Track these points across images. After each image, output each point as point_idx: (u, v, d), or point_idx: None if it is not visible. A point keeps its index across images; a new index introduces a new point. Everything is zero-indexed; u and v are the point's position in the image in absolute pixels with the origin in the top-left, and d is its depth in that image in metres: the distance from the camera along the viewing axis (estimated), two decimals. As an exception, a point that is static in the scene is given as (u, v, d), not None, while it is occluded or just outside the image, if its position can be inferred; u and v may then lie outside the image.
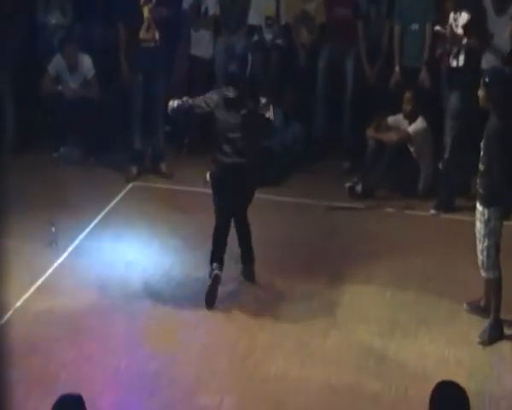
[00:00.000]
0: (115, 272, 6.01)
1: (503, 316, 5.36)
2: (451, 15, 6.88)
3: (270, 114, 5.70)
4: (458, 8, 6.84)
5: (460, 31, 6.80)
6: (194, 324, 5.45)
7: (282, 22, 8.11)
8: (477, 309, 5.56)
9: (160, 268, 6.10)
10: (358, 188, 7.23)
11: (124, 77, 7.48)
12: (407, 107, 7.29)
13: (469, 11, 6.80)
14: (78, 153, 7.81)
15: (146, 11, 7.22)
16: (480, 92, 5.21)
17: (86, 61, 7.87)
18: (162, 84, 7.48)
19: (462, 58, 6.83)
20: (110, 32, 7.75)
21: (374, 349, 5.23)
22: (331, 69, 7.91)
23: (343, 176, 7.49)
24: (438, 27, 6.98)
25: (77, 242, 6.42)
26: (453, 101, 6.92)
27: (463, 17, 6.81)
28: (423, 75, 7.48)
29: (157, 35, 7.26)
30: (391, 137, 7.28)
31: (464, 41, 6.77)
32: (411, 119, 7.29)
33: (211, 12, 8.00)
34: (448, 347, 5.25)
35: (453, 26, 6.84)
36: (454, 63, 6.88)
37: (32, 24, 8.12)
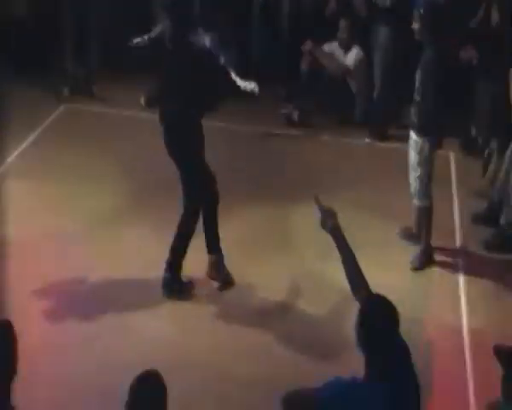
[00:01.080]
0: (47, 194, 5.90)
1: (433, 243, 5.49)
2: None
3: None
4: None
5: None
6: (131, 251, 5.42)
7: None
8: (408, 236, 5.68)
9: (95, 194, 6.01)
10: (295, 115, 7.22)
11: None
12: (343, 34, 7.26)
13: None
14: (6, 71, 7.52)
15: None
16: (415, 25, 5.20)
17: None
18: (94, 4, 7.23)
19: None
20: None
21: (313, 272, 5.31)
22: (268, -7, 7.80)
23: (279, 103, 7.44)
24: None
25: (7, 164, 6.26)
26: (382, 36, 6.94)
27: None
28: (359, 3, 7.43)
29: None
30: (332, 68, 7.21)
31: None
32: (346, 47, 7.27)
33: None
34: (380, 272, 5.27)
35: None
36: (381, 1, 6.86)
37: None
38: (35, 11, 7.58)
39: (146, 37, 7.26)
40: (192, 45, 4.74)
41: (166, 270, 4.99)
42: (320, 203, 3.42)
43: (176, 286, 5.00)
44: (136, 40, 7.58)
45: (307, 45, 7.23)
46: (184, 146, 4.87)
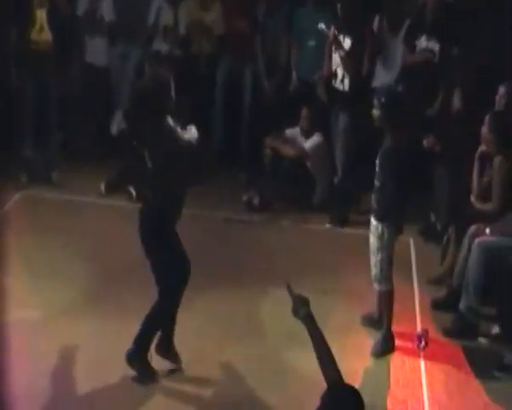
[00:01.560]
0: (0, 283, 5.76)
1: (394, 328, 5.45)
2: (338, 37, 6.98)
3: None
4: (343, 32, 6.93)
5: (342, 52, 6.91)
6: (87, 333, 5.28)
7: (181, 32, 8.04)
8: (370, 321, 5.64)
9: (49, 281, 5.87)
10: (256, 201, 7.25)
11: (12, 81, 7.20)
12: (304, 123, 7.37)
13: (353, 36, 6.89)
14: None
15: (39, 12, 6.99)
16: (376, 112, 5.25)
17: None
18: (55, 91, 7.27)
19: (347, 83, 6.96)
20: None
21: (271, 362, 5.21)
22: (230, 81, 7.91)
23: (241, 188, 7.48)
24: (322, 26, 7.02)
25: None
26: (341, 121, 7.04)
27: (346, 42, 6.94)
28: (319, 90, 7.58)
29: (50, 38, 7.05)
30: (288, 150, 7.34)
31: (342, 53, 6.86)
32: (308, 134, 7.38)
33: (107, 19, 7.84)
34: (342, 358, 5.20)
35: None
36: (340, 87, 7.01)
37: None
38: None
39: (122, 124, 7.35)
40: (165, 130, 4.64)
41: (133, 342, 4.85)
42: (291, 291, 3.43)
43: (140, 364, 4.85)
44: (115, 129, 7.70)
45: (267, 140, 7.30)
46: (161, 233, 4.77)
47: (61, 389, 4.80)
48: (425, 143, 6.57)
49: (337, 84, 7.03)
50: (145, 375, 4.87)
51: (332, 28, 6.95)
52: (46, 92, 7.21)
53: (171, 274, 4.78)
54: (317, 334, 3.33)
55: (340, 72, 6.98)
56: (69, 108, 7.80)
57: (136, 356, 4.85)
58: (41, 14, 7.03)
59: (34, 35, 7.02)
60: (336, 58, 7.00)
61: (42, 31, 7.03)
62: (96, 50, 7.88)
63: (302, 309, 3.38)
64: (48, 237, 6.49)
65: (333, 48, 7.00)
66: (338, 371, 3.20)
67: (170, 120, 4.64)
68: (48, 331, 5.31)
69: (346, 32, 6.91)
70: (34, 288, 5.77)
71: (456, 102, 6.92)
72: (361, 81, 6.98)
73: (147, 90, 4.78)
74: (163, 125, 4.62)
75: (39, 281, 5.87)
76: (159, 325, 4.90)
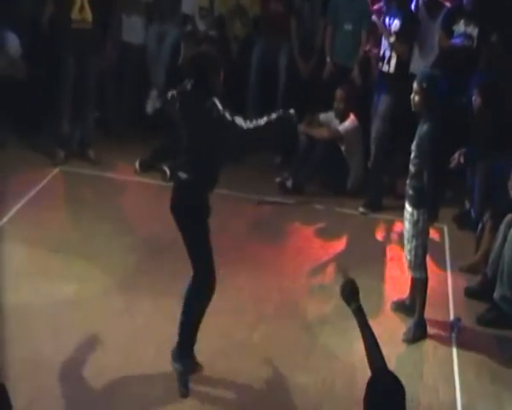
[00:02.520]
0: (38, 257, 5.85)
1: (427, 315, 5.45)
2: (386, 20, 6.98)
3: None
4: (391, 15, 6.92)
5: (392, 38, 6.89)
6: (121, 310, 5.34)
7: (216, 13, 8.05)
8: (402, 307, 5.65)
9: (84, 255, 5.95)
10: (289, 183, 7.25)
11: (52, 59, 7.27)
12: (339, 105, 7.35)
13: (401, 18, 6.87)
14: (2, 134, 7.56)
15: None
16: (415, 97, 5.23)
17: (13, 40, 7.61)
18: (94, 68, 7.31)
19: (393, 64, 6.93)
20: (40, 10, 7.51)
21: (301, 344, 5.24)
22: (264, 64, 7.88)
23: (274, 170, 7.48)
24: (374, 17, 7.06)
25: (-1, 225, 6.24)
26: (382, 104, 7.01)
27: (395, 24, 6.90)
28: (355, 73, 7.55)
29: (90, 17, 7.10)
30: (322, 133, 7.33)
31: (392, 39, 6.85)
32: (342, 117, 7.36)
33: (144, -2, 7.88)
34: None
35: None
36: (385, 68, 6.98)
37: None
38: (34, 73, 7.62)
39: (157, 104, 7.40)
40: (210, 110, 4.48)
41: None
42: (345, 272, 3.65)
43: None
44: (150, 109, 7.74)
45: (301, 127, 7.30)
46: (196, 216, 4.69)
47: (92, 366, 4.87)
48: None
49: (383, 66, 6.99)
50: (191, 369, 4.80)
51: (381, 18, 6.94)
52: (84, 70, 7.25)
53: (208, 254, 4.68)
54: (366, 326, 3.49)
55: (387, 53, 6.94)
56: (106, 86, 7.85)
57: (182, 351, 4.75)
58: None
59: (75, 14, 7.06)
60: (384, 42, 6.97)
61: (82, 10, 7.06)
62: (133, 29, 7.90)
63: (353, 303, 3.57)
64: (83, 213, 6.57)
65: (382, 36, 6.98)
66: (384, 362, 3.31)
67: (216, 100, 4.51)
68: (81, 305, 5.39)
69: (395, 14, 6.88)
70: (70, 262, 5.85)
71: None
72: (406, 64, 6.94)
73: (200, 59, 4.60)
74: (210, 102, 4.47)
75: (74, 256, 5.94)
76: (201, 312, 4.73)
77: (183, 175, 4.65)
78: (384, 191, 7.17)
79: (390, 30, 6.90)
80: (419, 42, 7.32)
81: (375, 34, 7.36)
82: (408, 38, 6.96)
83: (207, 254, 4.65)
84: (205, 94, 4.48)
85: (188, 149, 4.66)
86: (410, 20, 6.98)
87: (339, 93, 7.32)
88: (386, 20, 6.97)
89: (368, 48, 7.29)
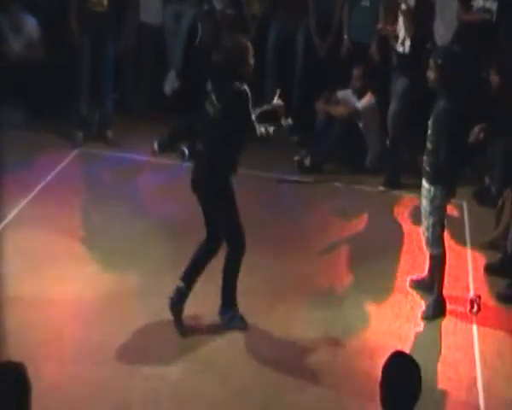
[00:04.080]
0: (58, 239, 5.90)
1: (446, 292, 5.44)
2: None
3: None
4: None
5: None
6: (140, 295, 5.37)
7: (233, -9, 8.02)
8: (421, 284, 5.63)
9: (105, 236, 6.00)
10: (307, 161, 7.24)
11: (72, 39, 7.29)
12: (356, 82, 7.31)
13: None
14: (20, 116, 7.60)
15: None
16: (431, 73, 5.19)
17: (31, 23, 7.64)
18: (111, 50, 7.33)
19: (408, 45, 6.86)
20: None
21: (320, 321, 5.26)
22: (282, 41, 7.85)
23: (292, 149, 7.47)
24: None
25: (19, 208, 6.27)
26: (399, 84, 6.96)
27: (410, 1, 6.82)
28: (373, 50, 7.50)
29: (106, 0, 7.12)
30: (340, 110, 7.29)
31: (407, 15, 6.74)
32: (360, 94, 7.32)
33: (161, -23, 7.86)
34: (393, 321, 5.32)
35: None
36: (400, 49, 6.91)
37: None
38: (51, 55, 7.65)
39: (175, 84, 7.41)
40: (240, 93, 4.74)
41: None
42: None
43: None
44: (169, 89, 7.75)
45: (319, 105, 7.25)
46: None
47: (115, 347, 4.90)
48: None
49: (397, 47, 6.93)
50: (240, 321, 5.11)
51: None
52: (102, 51, 7.27)
53: (237, 222, 4.94)
54: None
55: (401, 34, 6.87)
56: (124, 67, 7.86)
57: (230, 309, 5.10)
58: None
59: (91, -6, 7.09)
60: (399, 21, 6.90)
61: (98, -9, 7.10)
62: (151, 9, 7.89)
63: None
64: (103, 194, 6.61)
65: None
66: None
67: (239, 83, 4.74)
68: (103, 287, 5.43)
69: None
70: (91, 244, 5.89)
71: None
72: (421, 43, 6.86)
73: (230, 52, 4.83)
74: (235, 85, 4.72)
75: (95, 238, 5.99)
76: (237, 276, 5.06)
77: (204, 154, 4.81)
78: (404, 168, 7.13)
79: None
80: (437, 17, 7.23)
81: (394, 11, 7.27)
82: (421, 17, 6.83)
83: (236, 223, 4.93)
84: (235, 78, 4.74)
85: (210, 127, 4.81)
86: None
87: (356, 70, 7.29)
88: None
89: (380, 25, 7.19)
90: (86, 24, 7.15)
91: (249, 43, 4.91)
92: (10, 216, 6.13)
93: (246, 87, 4.75)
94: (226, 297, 5.11)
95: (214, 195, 4.89)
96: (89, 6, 7.11)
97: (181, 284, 4.98)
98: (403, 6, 6.75)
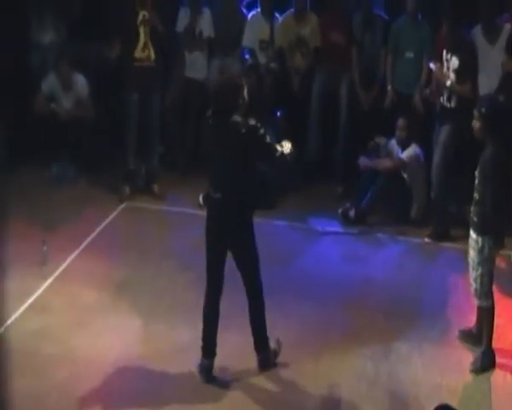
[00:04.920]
0: (106, 293, 5.98)
1: (495, 345, 5.36)
2: (444, 54, 6.92)
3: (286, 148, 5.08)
4: (450, 51, 6.85)
5: (452, 75, 6.82)
6: (186, 345, 5.40)
7: (276, 46, 8.13)
8: (469, 336, 5.55)
9: (151, 290, 6.07)
10: (351, 213, 7.23)
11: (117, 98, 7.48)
12: (401, 133, 7.31)
13: (460, 55, 6.79)
14: (71, 172, 7.78)
15: (142, 31, 7.25)
16: (476, 123, 5.21)
17: (80, 81, 7.83)
18: (157, 105, 7.49)
19: (454, 100, 6.87)
20: (105, 51, 7.74)
21: (366, 373, 5.22)
22: (325, 94, 7.92)
23: (336, 200, 7.48)
24: (431, 63, 7.02)
25: (68, 261, 6.38)
26: (443, 133, 6.95)
27: (454, 62, 6.85)
28: (417, 100, 7.51)
29: (153, 55, 7.29)
30: (384, 163, 7.30)
31: (448, 83, 6.79)
32: (404, 145, 7.32)
33: (205, 34, 8.01)
34: (440, 374, 5.25)
35: (445, 66, 6.89)
36: (447, 104, 6.91)
37: (25, 42, 8.08)
38: (101, 112, 7.83)
39: None
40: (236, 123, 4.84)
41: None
42: None
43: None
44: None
45: (362, 162, 7.31)
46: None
47: (156, 398, 4.94)
48: None
49: (444, 102, 6.94)
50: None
51: (438, 65, 6.88)
52: (148, 106, 7.42)
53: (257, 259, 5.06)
54: None
55: (446, 92, 6.89)
56: (170, 122, 8.00)
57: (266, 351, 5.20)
58: (144, 32, 7.26)
59: (138, 52, 7.27)
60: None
61: (145, 48, 7.27)
62: (195, 64, 8.05)
63: None
64: (149, 248, 6.68)
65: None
66: None
67: (238, 117, 4.83)
68: (148, 340, 5.48)
69: (454, 51, 6.81)
70: (137, 298, 5.95)
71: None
72: (468, 100, 6.84)
73: (219, 88, 4.93)
74: (234, 119, 4.82)
75: (141, 292, 6.05)
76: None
77: (216, 195, 4.94)
78: (452, 220, 7.06)
79: (449, 67, 6.83)
80: (481, 68, 7.22)
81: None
82: (469, 74, 6.85)
83: (257, 260, 5.06)
84: (229, 114, 4.82)
85: (220, 168, 4.94)
86: (469, 56, 6.87)
87: (401, 121, 7.30)
88: (444, 54, 6.90)
89: (428, 91, 7.20)
90: (134, 79, 7.31)
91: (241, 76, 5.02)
92: (60, 269, 6.25)
93: (239, 118, 4.82)
94: (260, 338, 5.16)
95: (240, 230, 4.96)
96: (137, 61, 7.29)
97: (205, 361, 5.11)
98: (447, 82, 6.76)
